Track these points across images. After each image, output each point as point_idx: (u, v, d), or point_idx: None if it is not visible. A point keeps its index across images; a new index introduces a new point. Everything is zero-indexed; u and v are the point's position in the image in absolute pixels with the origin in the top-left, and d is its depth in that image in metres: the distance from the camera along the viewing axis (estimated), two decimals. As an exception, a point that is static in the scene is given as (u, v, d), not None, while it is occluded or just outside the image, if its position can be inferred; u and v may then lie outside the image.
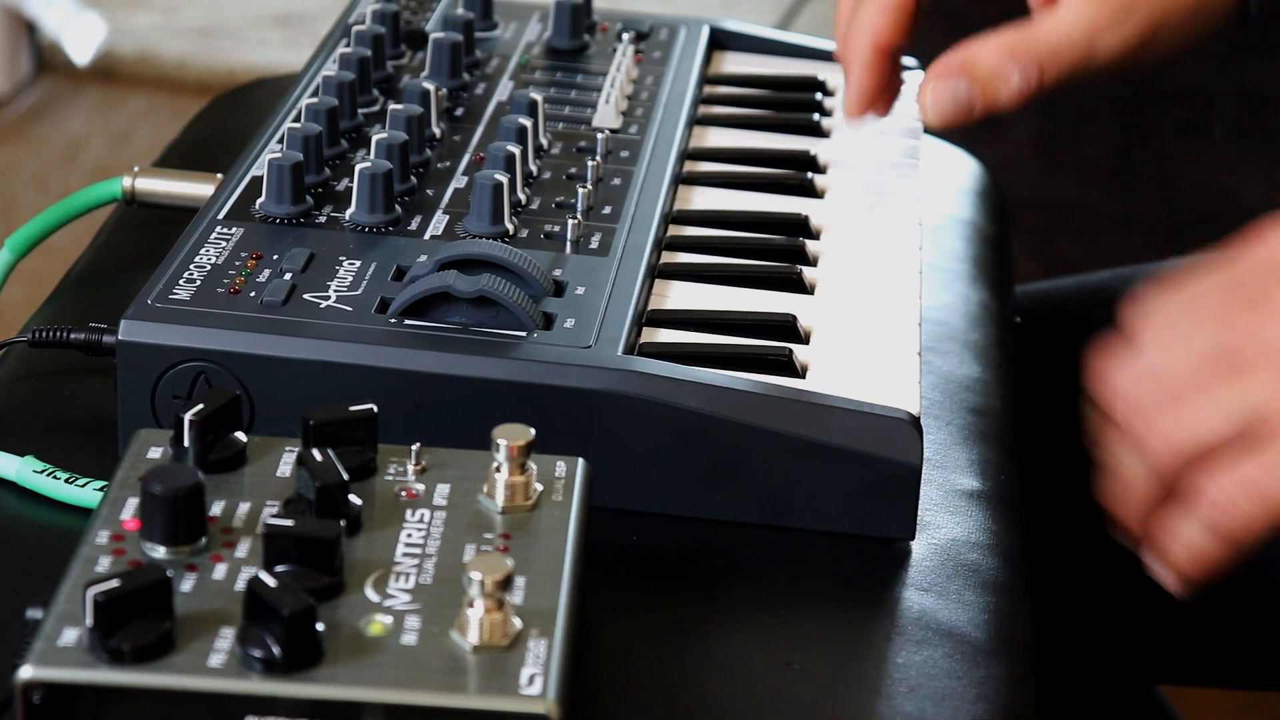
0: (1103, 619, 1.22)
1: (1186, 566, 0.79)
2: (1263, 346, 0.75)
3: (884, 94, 1.00)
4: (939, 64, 0.96)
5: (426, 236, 0.93)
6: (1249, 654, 1.21)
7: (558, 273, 0.90)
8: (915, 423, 0.84)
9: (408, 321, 0.85)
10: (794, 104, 1.13)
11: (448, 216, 0.95)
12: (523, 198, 0.96)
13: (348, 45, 1.08)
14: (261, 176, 0.94)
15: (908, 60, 1.11)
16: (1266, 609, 1.18)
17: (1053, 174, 2.15)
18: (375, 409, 0.77)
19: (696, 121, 1.11)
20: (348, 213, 0.94)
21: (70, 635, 0.67)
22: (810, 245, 0.98)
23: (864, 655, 0.80)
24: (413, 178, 0.97)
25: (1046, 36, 0.95)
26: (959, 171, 1.25)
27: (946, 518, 0.88)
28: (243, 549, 0.72)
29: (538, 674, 0.67)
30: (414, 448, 0.78)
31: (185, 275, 0.88)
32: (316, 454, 0.74)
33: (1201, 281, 0.79)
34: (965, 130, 1.17)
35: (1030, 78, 0.95)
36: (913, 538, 0.85)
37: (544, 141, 1.03)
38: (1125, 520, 0.80)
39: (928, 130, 1.14)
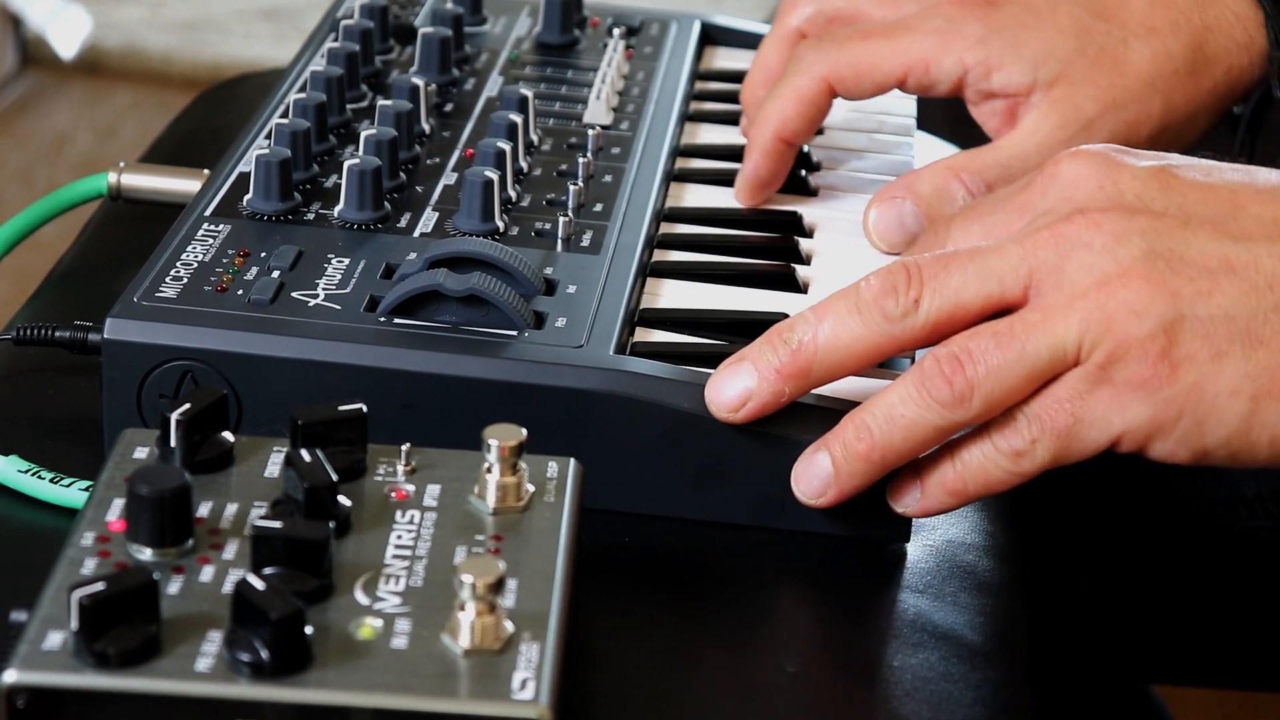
0: (1096, 618, 1.21)
1: (974, 494, 0.80)
2: (1066, 286, 0.76)
3: (777, 180, 1.00)
4: (882, 190, 0.95)
5: (416, 234, 0.92)
6: (1242, 654, 1.21)
7: (549, 271, 0.89)
8: (910, 423, 0.83)
9: (397, 320, 0.84)
10: (786, 100, 1.12)
11: (437, 214, 0.94)
12: (513, 195, 0.96)
13: (336, 40, 1.07)
14: (249, 173, 0.93)
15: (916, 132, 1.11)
16: (1259, 609, 1.17)
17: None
18: (364, 409, 0.76)
19: (688, 118, 1.10)
20: (336, 210, 0.93)
21: (55, 639, 0.66)
22: (803, 243, 0.97)
23: (859, 658, 0.79)
24: (402, 174, 0.96)
25: (997, 154, 0.95)
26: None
27: (942, 519, 0.87)
28: (230, 551, 0.72)
29: (530, 678, 0.66)
30: (404, 448, 0.77)
31: (171, 273, 0.87)
32: (305, 454, 0.73)
33: (999, 206, 0.82)
34: (956, 126, 1.16)
35: (978, 195, 0.94)
36: (908, 539, 0.84)
37: (534, 138, 1.02)
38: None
39: (920, 127, 1.13)
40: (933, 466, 0.80)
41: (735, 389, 0.81)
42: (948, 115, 1.11)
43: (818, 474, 0.80)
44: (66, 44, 3.08)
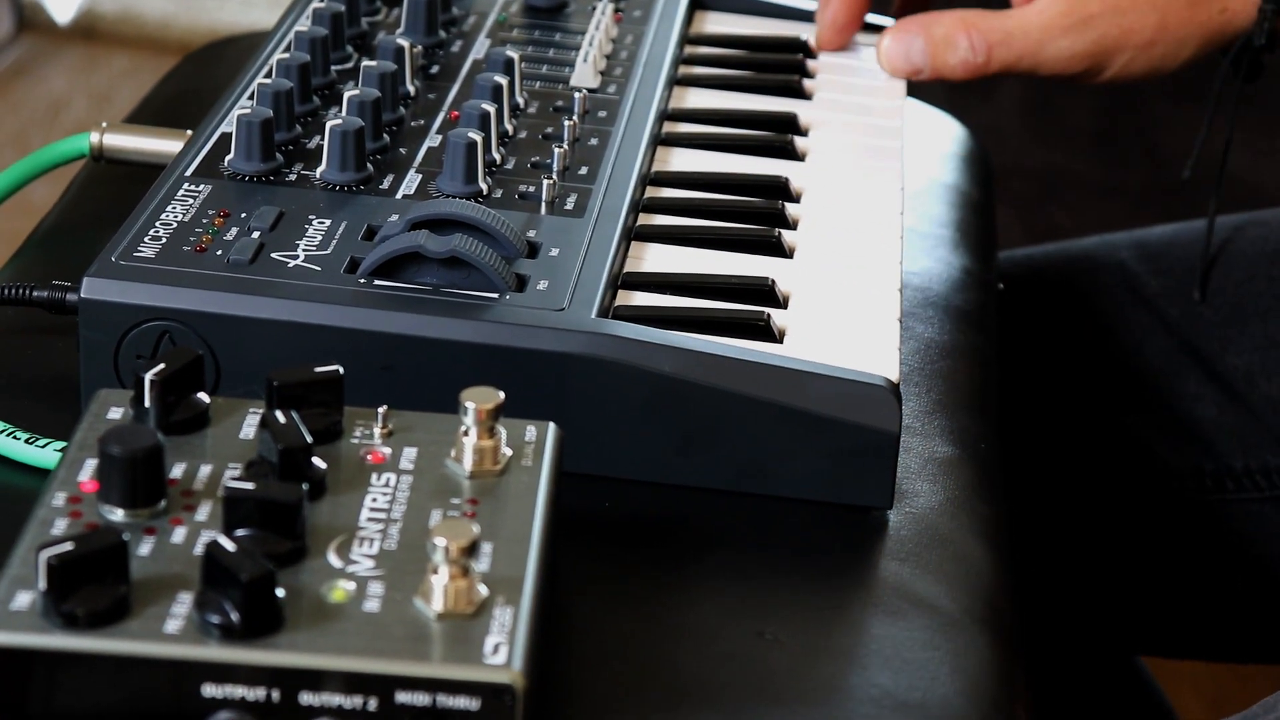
0: (1083, 590, 1.21)
1: None
2: None
3: (851, 28, 1.13)
4: (902, 21, 1.07)
5: (398, 196, 0.91)
6: (1228, 626, 1.20)
7: (531, 234, 0.88)
8: (894, 390, 0.82)
9: (377, 282, 0.83)
10: (776, 65, 1.11)
11: (420, 175, 0.93)
12: (497, 157, 0.95)
13: (322, 1, 1.06)
14: (231, 133, 0.93)
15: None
16: (1246, 582, 1.17)
17: (1038, 141, 2.13)
18: (341, 370, 0.76)
19: (676, 82, 1.09)
20: (318, 171, 0.92)
21: (23, 599, 0.66)
22: (790, 208, 0.96)
23: (839, 625, 0.78)
24: (385, 136, 0.95)
25: (1004, 22, 1.06)
26: (944, 136, 1.24)
27: (925, 486, 0.86)
28: (203, 512, 0.71)
29: (503, 643, 0.66)
30: (380, 410, 0.76)
31: (150, 233, 0.86)
32: (280, 416, 0.72)
33: None
34: (952, 95, 1.19)
35: (978, 53, 1.05)
36: (890, 506, 0.83)
37: (520, 100, 1.01)
38: None
39: (912, 94, 1.12)
40: None
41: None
42: (944, 86, 1.11)
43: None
44: (62, 9, 3.07)
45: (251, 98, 0.97)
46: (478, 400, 0.74)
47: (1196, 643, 1.24)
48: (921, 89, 1.15)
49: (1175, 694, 1.39)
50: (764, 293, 0.89)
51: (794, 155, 1.02)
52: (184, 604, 0.66)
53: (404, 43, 1.00)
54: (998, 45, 1.05)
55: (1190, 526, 1.16)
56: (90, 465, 0.72)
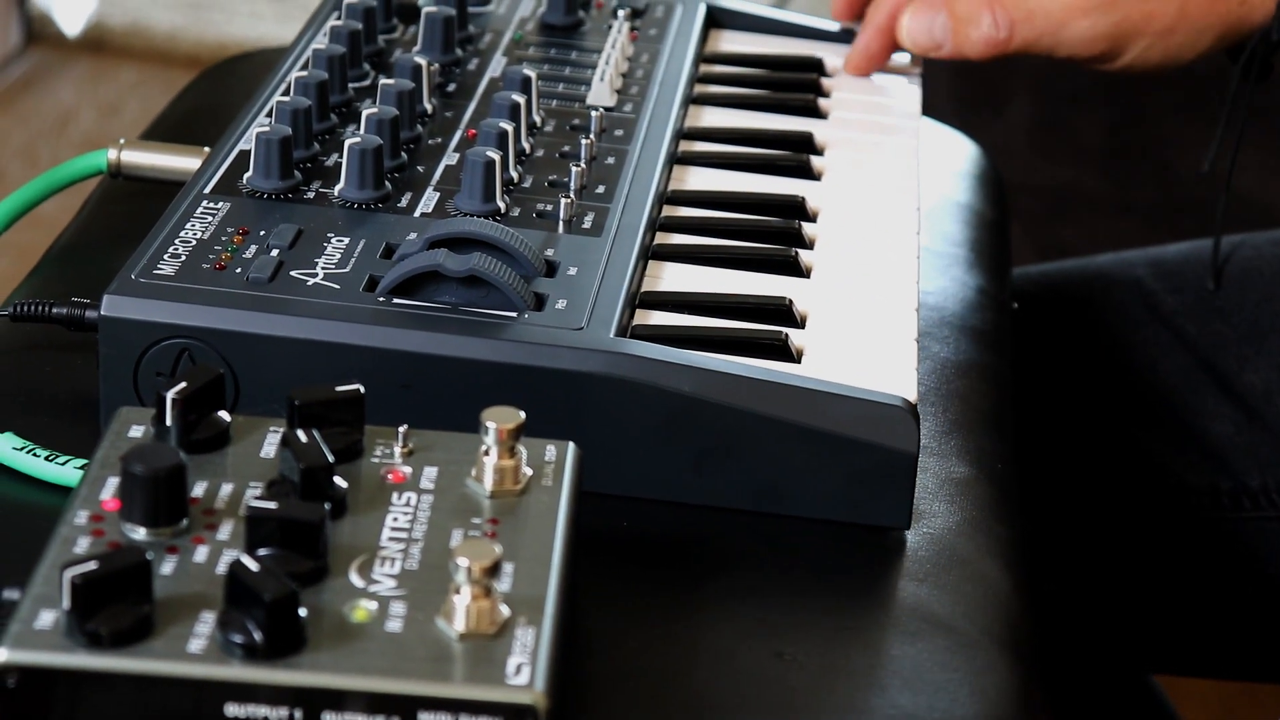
0: (1099, 608, 1.20)
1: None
2: None
3: (881, 58, 1.13)
4: None
5: (417, 214, 0.91)
6: (1244, 645, 1.20)
7: (550, 252, 0.89)
8: (912, 409, 0.82)
9: (396, 300, 0.84)
10: (792, 84, 1.12)
11: (438, 194, 0.93)
12: (515, 176, 0.95)
13: (339, 18, 1.06)
14: (249, 150, 0.93)
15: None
16: (1262, 600, 1.17)
17: (1048, 158, 2.13)
18: (362, 389, 0.76)
19: (692, 100, 1.09)
20: (337, 188, 0.92)
21: (47, 618, 0.66)
22: (807, 228, 0.96)
23: (857, 646, 0.78)
24: (403, 154, 0.95)
25: (1028, 1, 1.06)
26: (957, 155, 1.24)
27: (942, 506, 0.86)
28: (225, 531, 0.71)
29: (525, 663, 0.66)
30: (401, 429, 0.76)
31: (170, 250, 0.86)
32: (301, 435, 0.73)
33: None
34: (961, 112, 1.19)
35: (1000, 29, 1.06)
36: (908, 526, 0.83)
37: (537, 119, 1.01)
38: None
39: (926, 113, 1.12)
40: None
41: None
42: (953, 103, 1.11)
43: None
44: (71, 21, 3.07)
45: (270, 115, 0.98)
46: (499, 420, 0.74)
47: (1212, 661, 1.24)
48: (931, 107, 1.15)
49: (1183, 711, 1.39)
50: (781, 312, 0.89)
51: (810, 174, 1.02)
52: (207, 623, 0.66)
53: (421, 61, 1.00)
54: (1020, 22, 1.06)
55: (1206, 545, 1.16)
56: (112, 484, 0.72)
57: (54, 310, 0.88)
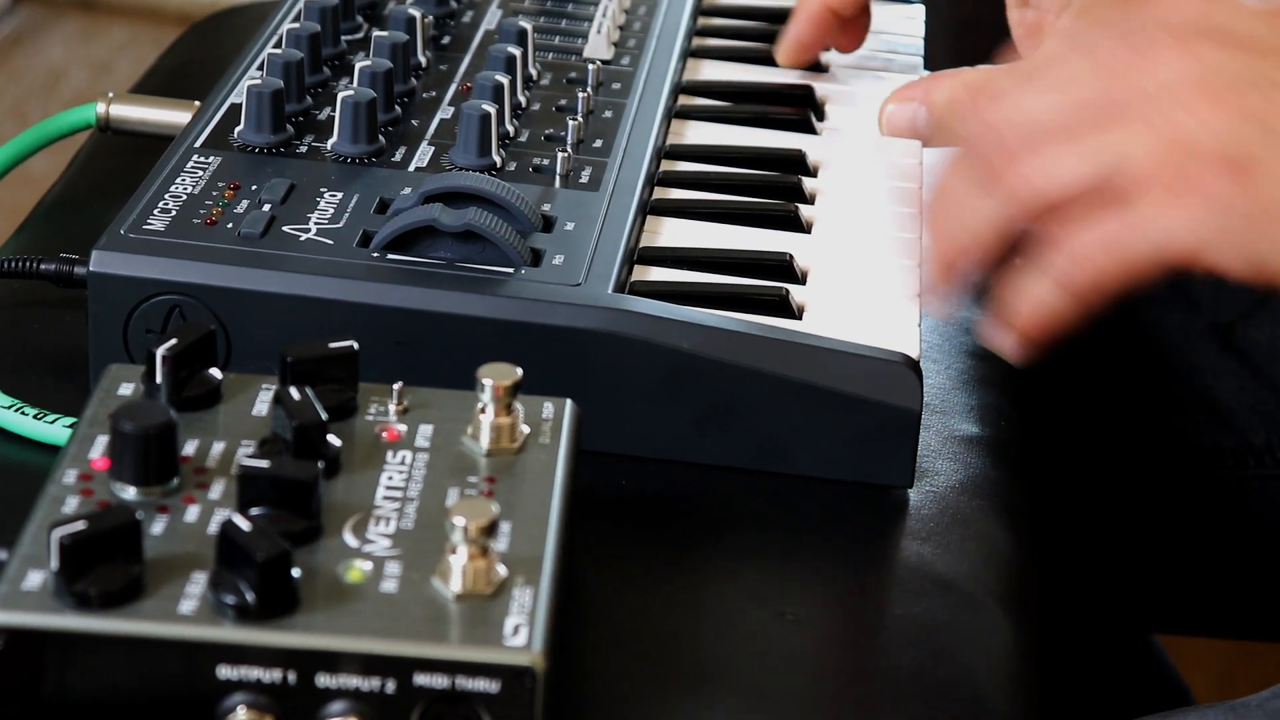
0: (1100, 566, 1.20)
1: (1030, 325, 0.75)
2: (1142, 98, 0.72)
3: (816, 48, 1.05)
4: (903, 87, 0.91)
5: (411, 168, 0.90)
6: (1248, 604, 1.19)
7: (546, 207, 0.87)
8: (915, 366, 0.81)
9: (391, 256, 0.82)
10: (791, 36, 1.10)
11: (433, 148, 0.91)
12: (511, 130, 0.93)
13: (331, -30, 1.04)
14: (241, 104, 0.91)
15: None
16: (1266, 559, 1.16)
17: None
18: (356, 346, 0.74)
19: (690, 53, 1.07)
20: (329, 143, 0.90)
21: (35, 579, 0.64)
22: (807, 182, 0.95)
23: (860, 606, 0.77)
24: (397, 107, 0.94)
25: (1005, 83, 0.92)
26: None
27: (946, 464, 0.85)
28: (216, 490, 0.70)
29: (523, 624, 0.65)
30: (396, 387, 0.75)
31: (160, 205, 0.84)
32: (294, 392, 0.71)
33: (1091, 29, 0.76)
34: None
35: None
36: (911, 485, 0.82)
37: (533, 72, 0.99)
38: (970, 267, 0.76)
39: (927, 68, 1.11)
40: (1005, 310, 0.75)
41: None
42: (953, 56, 1.09)
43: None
44: (61, -22, 3.05)
45: (261, 68, 0.96)
46: (496, 377, 0.73)
47: (1215, 620, 1.23)
48: (930, 59, 1.14)
49: (1183, 671, 1.38)
50: (782, 268, 0.87)
51: (811, 128, 1.01)
52: (198, 584, 0.65)
53: (415, 13, 0.99)
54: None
55: (1210, 503, 1.15)
56: (101, 442, 0.71)
57: (42, 266, 0.87)
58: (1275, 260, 0.72)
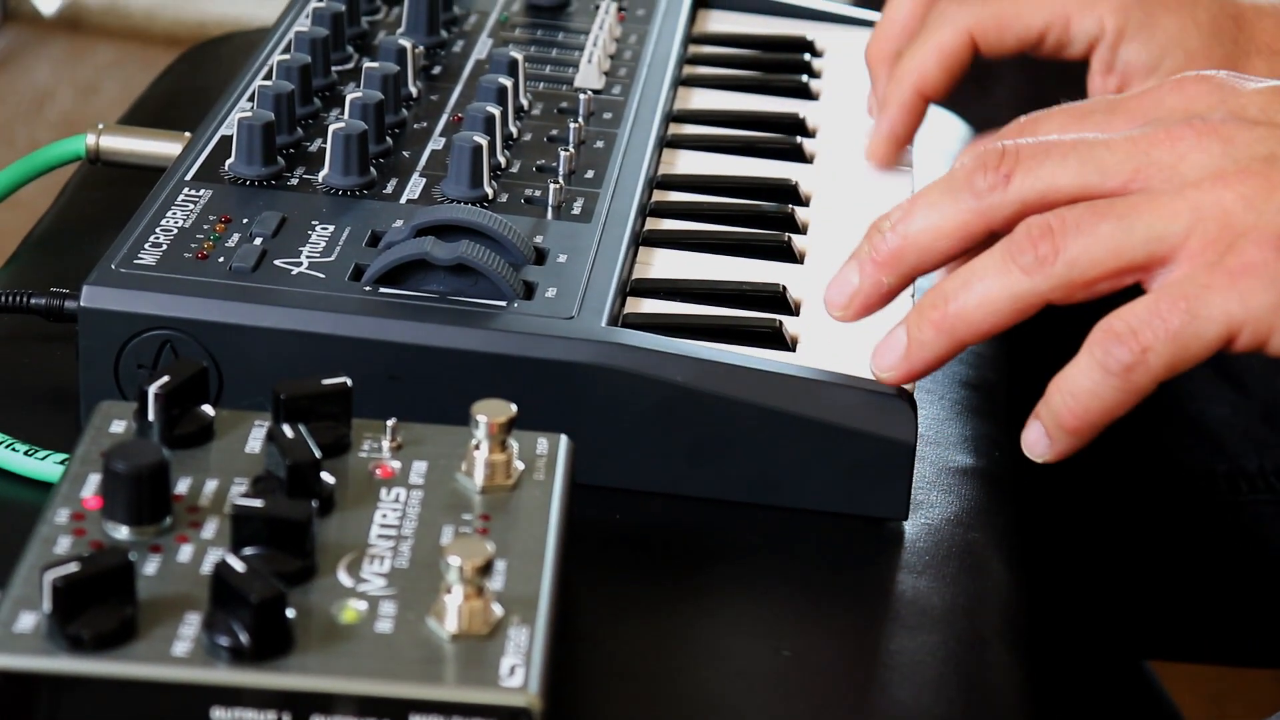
0: (1093, 592, 1.19)
1: (1081, 421, 0.76)
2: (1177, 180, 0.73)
3: (910, 137, 0.99)
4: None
5: (403, 200, 0.89)
6: (1241, 630, 1.19)
7: (539, 239, 0.87)
8: (909, 398, 0.81)
9: (383, 290, 0.82)
10: (783, 65, 1.10)
11: (425, 179, 0.91)
12: (502, 161, 0.93)
13: (321, 0, 1.04)
14: (231, 136, 0.91)
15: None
16: (1260, 585, 1.16)
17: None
18: (349, 382, 0.74)
19: (682, 82, 1.07)
20: (321, 175, 0.90)
21: (27, 620, 0.64)
22: (800, 212, 0.95)
23: (857, 641, 0.77)
24: (388, 139, 0.94)
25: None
26: (948, 135, 1.22)
27: (940, 496, 0.85)
28: (209, 529, 0.69)
29: (519, 664, 0.64)
30: (389, 423, 0.75)
31: (151, 239, 0.84)
32: (287, 429, 0.71)
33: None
34: (961, 100, 1.14)
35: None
36: (906, 517, 0.82)
37: (524, 102, 0.99)
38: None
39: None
40: (1046, 406, 0.75)
41: (841, 287, 0.79)
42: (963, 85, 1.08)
43: (893, 346, 0.77)
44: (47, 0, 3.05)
45: (251, 100, 0.96)
46: (490, 414, 0.72)
47: (1208, 647, 1.22)
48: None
49: (1175, 694, 1.38)
50: (775, 299, 0.87)
51: (802, 157, 1.00)
52: (192, 625, 0.65)
53: (406, 43, 0.99)
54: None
55: (1203, 528, 1.15)
56: (93, 481, 0.71)
57: (32, 301, 0.86)
58: None
